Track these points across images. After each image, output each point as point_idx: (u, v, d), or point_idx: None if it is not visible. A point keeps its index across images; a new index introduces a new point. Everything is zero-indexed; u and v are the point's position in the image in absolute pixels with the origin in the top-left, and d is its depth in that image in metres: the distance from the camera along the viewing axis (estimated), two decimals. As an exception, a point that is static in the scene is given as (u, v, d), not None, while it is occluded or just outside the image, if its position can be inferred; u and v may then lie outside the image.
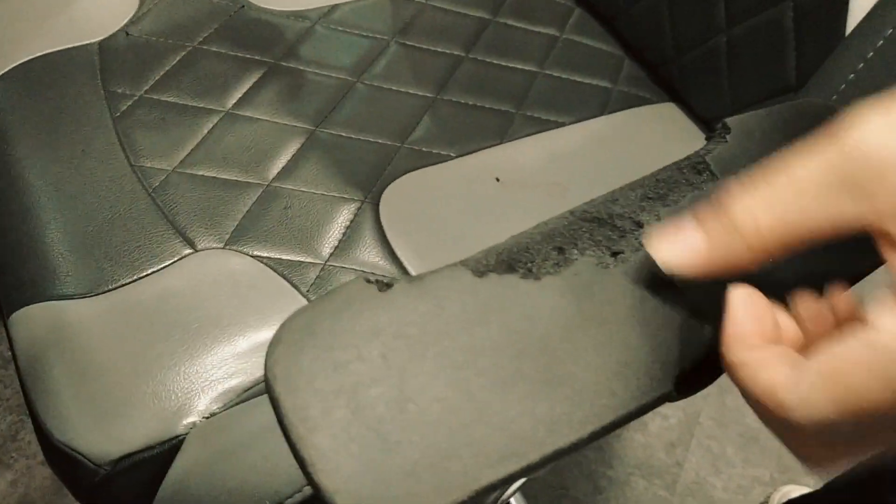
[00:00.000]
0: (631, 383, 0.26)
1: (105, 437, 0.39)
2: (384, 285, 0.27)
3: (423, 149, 0.53)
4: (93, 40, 0.55)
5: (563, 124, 0.58)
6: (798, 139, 0.33)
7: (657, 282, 0.29)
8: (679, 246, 0.26)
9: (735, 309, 0.25)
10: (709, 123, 0.61)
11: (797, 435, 0.23)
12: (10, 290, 0.45)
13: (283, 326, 0.25)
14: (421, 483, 0.23)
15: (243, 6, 0.60)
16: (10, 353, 0.64)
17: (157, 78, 0.53)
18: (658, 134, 0.60)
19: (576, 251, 0.29)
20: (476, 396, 0.25)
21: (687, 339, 0.28)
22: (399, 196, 0.50)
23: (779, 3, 0.52)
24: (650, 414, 1.00)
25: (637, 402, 0.26)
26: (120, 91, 0.52)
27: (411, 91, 0.57)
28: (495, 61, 0.62)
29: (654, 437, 1.00)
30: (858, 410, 0.21)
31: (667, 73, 0.64)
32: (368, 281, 0.27)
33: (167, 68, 0.54)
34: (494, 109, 0.57)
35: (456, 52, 0.61)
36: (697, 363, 0.27)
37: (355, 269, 0.46)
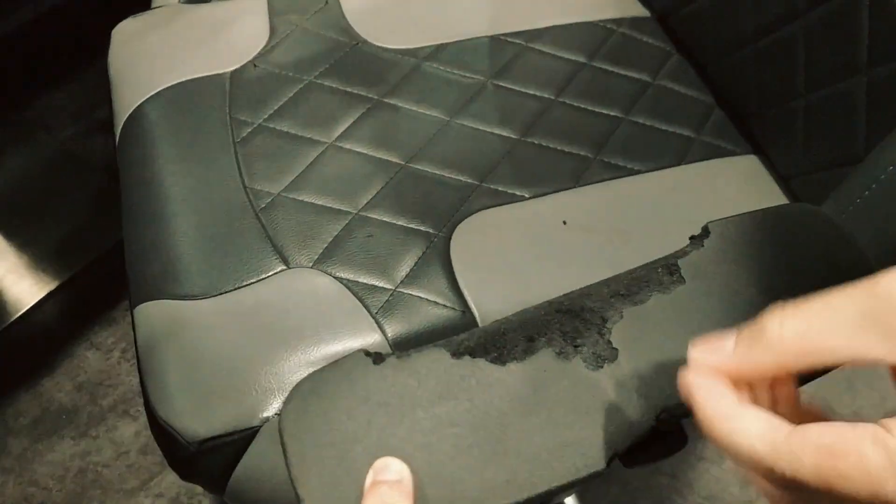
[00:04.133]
0: (567, 461, 0.31)
1: (196, 419, 0.47)
2: (379, 358, 0.33)
3: (500, 188, 0.59)
4: (226, 70, 0.63)
5: (638, 172, 0.62)
6: (778, 246, 0.36)
7: (604, 374, 0.33)
8: (711, 348, 0.29)
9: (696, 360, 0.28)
10: (787, 180, 0.62)
11: (764, 482, 0.26)
12: (137, 285, 0.54)
13: (295, 388, 0.32)
14: None
15: (358, 43, 0.67)
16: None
17: (275, 108, 0.61)
18: (732, 188, 0.62)
19: (543, 340, 0.34)
20: (436, 459, 0.31)
21: (624, 425, 0.32)
22: (470, 232, 0.56)
23: (853, 76, 0.53)
24: (727, 446, 1.01)
25: (571, 477, 0.31)
26: (243, 118, 0.60)
27: (497, 132, 0.62)
28: (583, 106, 0.66)
29: (728, 472, 1.01)
30: (835, 491, 0.24)
31: (752, 126, 0.66)
32: (367, 354, 0.33)
33: (285, 99, 0.62)
34: (573, 154, 0.62)
35: (546, 96, 0.66)
36: (634, 445, 0.32)
37: (421, 297, 0.52)
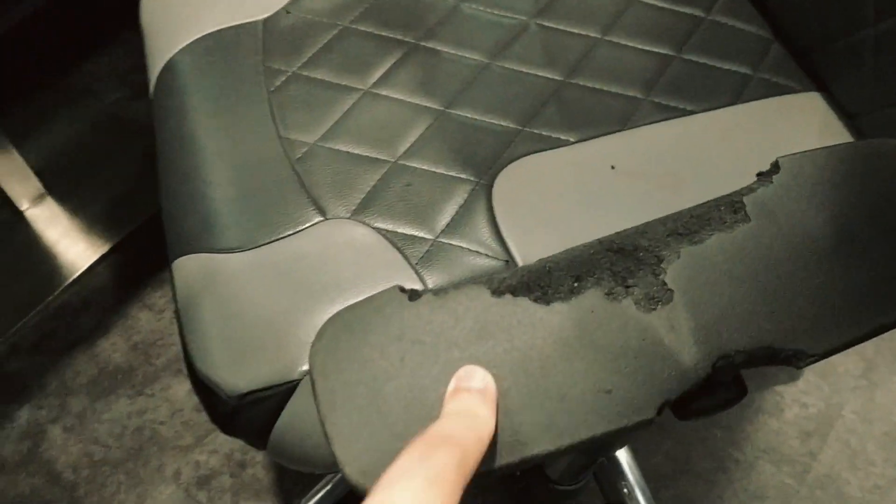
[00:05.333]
0: (613, 408, 0.29)
1: (236, 373, 0.46)
2: (415, 294, 0.31)
3: (544, 133, 0.56)
4: (259, 17, 0.62)
5: (691, 112, 0.58)
6: (857, 184, 0.33)
7: (657, 317, 0.31)
8: None
9: None
10: (852, 118, 0.58)
11: None
12: (173, 240, 0.53)
13: (327, 323, 0.30)
14: None
15: (393, -14, 0.64)
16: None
17: (309, 55, 0.59)
18: (792, 127, 0.58)
19: (591, 279, 0.31)
20: None
21: (677, 372, 0.29)
22: (513, 179, 0.53)
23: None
24: (787, 400, 0.98)
25: (615, 425, 0.29)
26: (276, 67, 0.59)
27: (541, 74, 0.60)
28: (631, 44, 0.62)
29: (788, 424, 0.98)
30: None
31: (814, 61, 0.61)
32: (402, 290, 0.31)
33: (319, 46, 0.60)
34: (621, 95, 0.58)
35: (592, 35, 0.62)
36: (684, 396, 0.29)
37: (462, 247, 0.50)
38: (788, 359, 0.30)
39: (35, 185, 1.18)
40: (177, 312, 0.51)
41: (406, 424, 0.28)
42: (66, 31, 1.33)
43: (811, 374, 1.01)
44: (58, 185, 1.20)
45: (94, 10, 1.33)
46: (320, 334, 0.31)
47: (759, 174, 0.36)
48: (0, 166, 1.13)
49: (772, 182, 0.35)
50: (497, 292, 0.32)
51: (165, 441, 1.01)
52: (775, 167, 0.35)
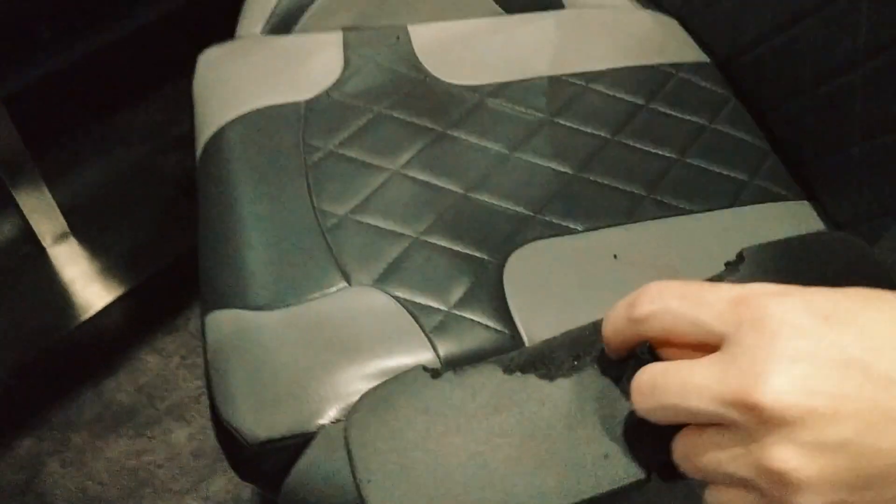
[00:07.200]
0: (610, 471, 0.33)
1: (257, 422, 0.50)
2: (437, 373, 0.36)
3: (554, 220, 0.61)
4: (302, 98, 0.68)
5: (690, 212, 0.63)
6: (815, 272, 0.38)
7: None
8: None
9: None
10: (840, 227, 0.64)
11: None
12: (208, 295, 0.58)
13: (360, 399, 0.36)
14: None
15: (426, 78, 0.70)
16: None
17: (346, 136, 0.65)
18: (782, 231, 0.63)
19: (588, 358, 0.36)
20: (490, 466, 0.33)
21: (665, 438, 0.34)
22: (523, 261, 0.58)
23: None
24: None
25: (614, 485, 0.33)
26: (315, 144, 0.64)
27: (555, 167, 0.65)
28: (639, 146, 0.68)
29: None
30: None
31: (806, 172, 0.67)
32: (425, 369, 0.36)
33: (355, 128, 0.66)
34: (626, 191, 0.64)
35: (603, 135, 0.68)
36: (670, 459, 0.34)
37: (473, 320, 0.55)
38: None
39: (60, 223, 1.22)
40: (206, 362, 0.55)
41: (432, 488, 0.33)
42: (107, 80, 1.40)
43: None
44: (82, 226, 1.25)
45: (137, 63, 1.40)
46: (355, 409, 0.36)
47: (727, 263, 0.40)
48: (30, 202, 1.18)
49: (738, 271, 0.39)
50: (508, 370, 0.36)
51: (161, 483, 1.03)
52: (740, 257, 0.40)
